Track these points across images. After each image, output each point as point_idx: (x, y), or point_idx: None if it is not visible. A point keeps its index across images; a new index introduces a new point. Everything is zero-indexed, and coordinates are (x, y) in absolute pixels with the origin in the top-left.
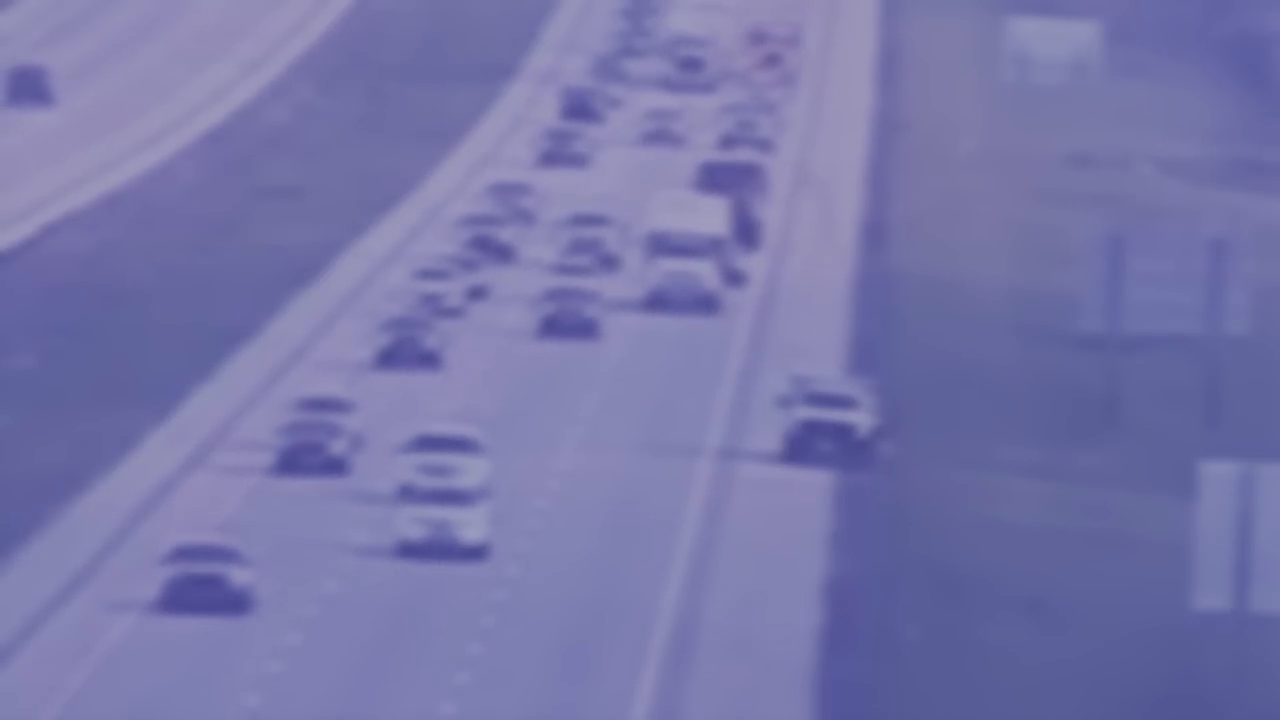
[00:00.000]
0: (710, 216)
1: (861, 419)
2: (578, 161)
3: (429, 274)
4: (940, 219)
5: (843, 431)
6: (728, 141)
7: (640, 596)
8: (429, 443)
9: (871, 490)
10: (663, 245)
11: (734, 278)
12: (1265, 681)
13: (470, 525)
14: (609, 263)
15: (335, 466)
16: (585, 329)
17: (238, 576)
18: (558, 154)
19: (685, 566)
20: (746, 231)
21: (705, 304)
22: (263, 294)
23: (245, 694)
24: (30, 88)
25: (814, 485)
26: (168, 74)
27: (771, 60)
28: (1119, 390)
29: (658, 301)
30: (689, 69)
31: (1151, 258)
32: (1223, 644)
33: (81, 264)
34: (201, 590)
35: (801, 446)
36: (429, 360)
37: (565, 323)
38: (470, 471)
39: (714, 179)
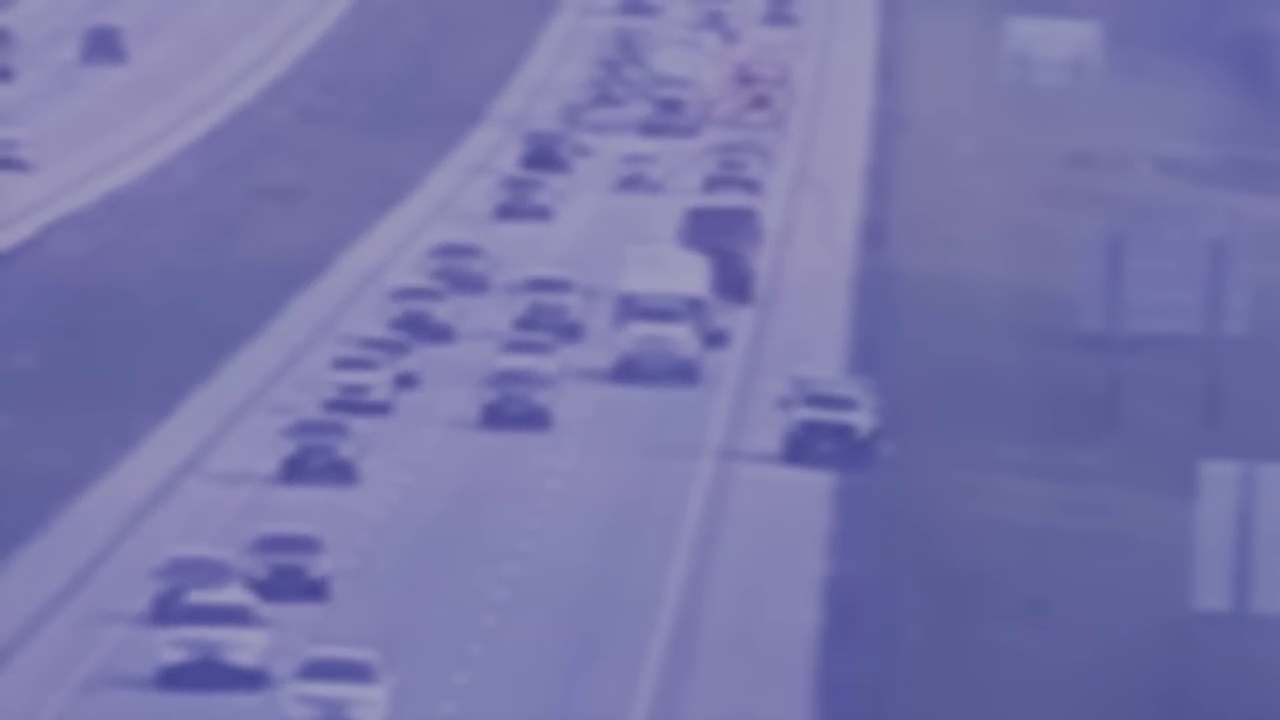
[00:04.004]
0: (688, 275)
1: (861, 419)
2: (539, 214)
3: (348, 363)
4: (940, 219)
5: (843, 432)
6: (712, 184)
7: (641, 604)
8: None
9: (871, 490)
10: (634, 308)
11: (715, 338)
12: (1265, 681)
13: (367, 705)
14: (571, 333)
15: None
16: (535, 419)
17: None
18: (516, 206)
19: (686, 566)
20: (738, 285)
21: (682, 373)
22: (262, 294)
23: None
24: (105, 46)
25: (814, 486)
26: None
27: (760, 102)
28: (1119, 390)
29: (628, 371)
30: (669, 111)
31: (1151, 258)
32: (1223, 644)
33: (81, 264)
34: None
35: (801, 447)
36: (342, 472)
37: (511, 411)
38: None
39: (701, 227)
